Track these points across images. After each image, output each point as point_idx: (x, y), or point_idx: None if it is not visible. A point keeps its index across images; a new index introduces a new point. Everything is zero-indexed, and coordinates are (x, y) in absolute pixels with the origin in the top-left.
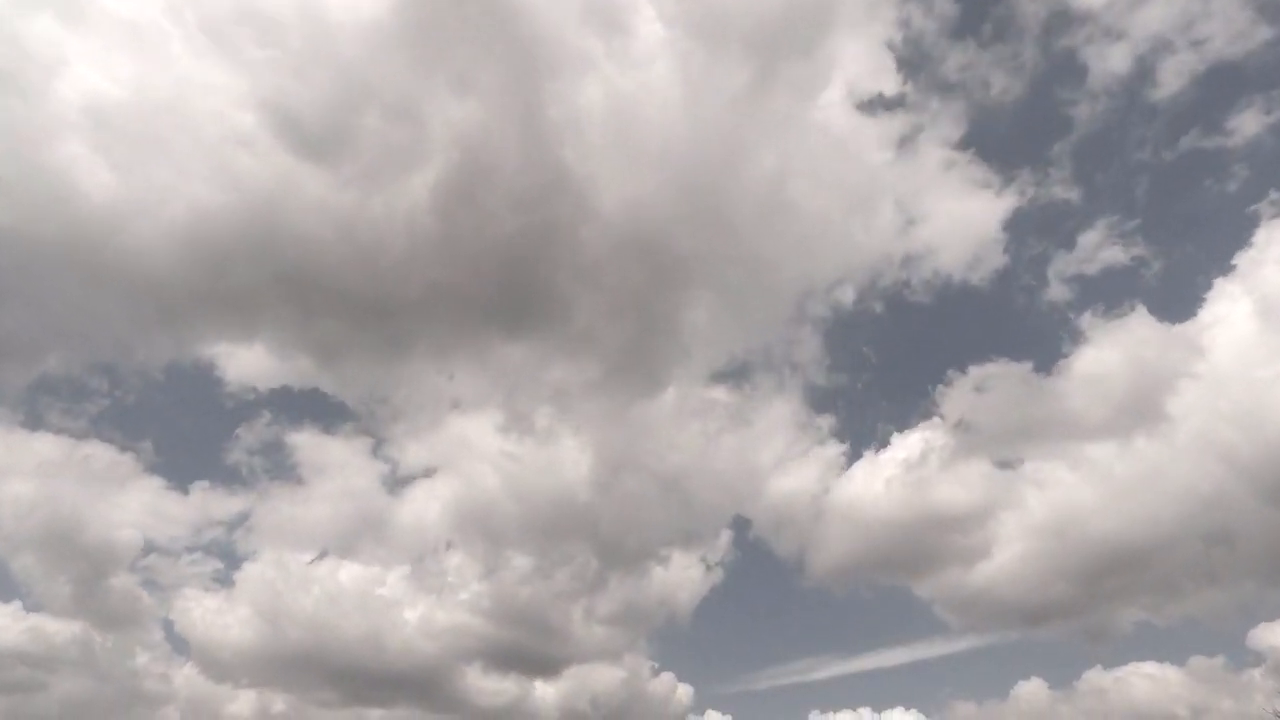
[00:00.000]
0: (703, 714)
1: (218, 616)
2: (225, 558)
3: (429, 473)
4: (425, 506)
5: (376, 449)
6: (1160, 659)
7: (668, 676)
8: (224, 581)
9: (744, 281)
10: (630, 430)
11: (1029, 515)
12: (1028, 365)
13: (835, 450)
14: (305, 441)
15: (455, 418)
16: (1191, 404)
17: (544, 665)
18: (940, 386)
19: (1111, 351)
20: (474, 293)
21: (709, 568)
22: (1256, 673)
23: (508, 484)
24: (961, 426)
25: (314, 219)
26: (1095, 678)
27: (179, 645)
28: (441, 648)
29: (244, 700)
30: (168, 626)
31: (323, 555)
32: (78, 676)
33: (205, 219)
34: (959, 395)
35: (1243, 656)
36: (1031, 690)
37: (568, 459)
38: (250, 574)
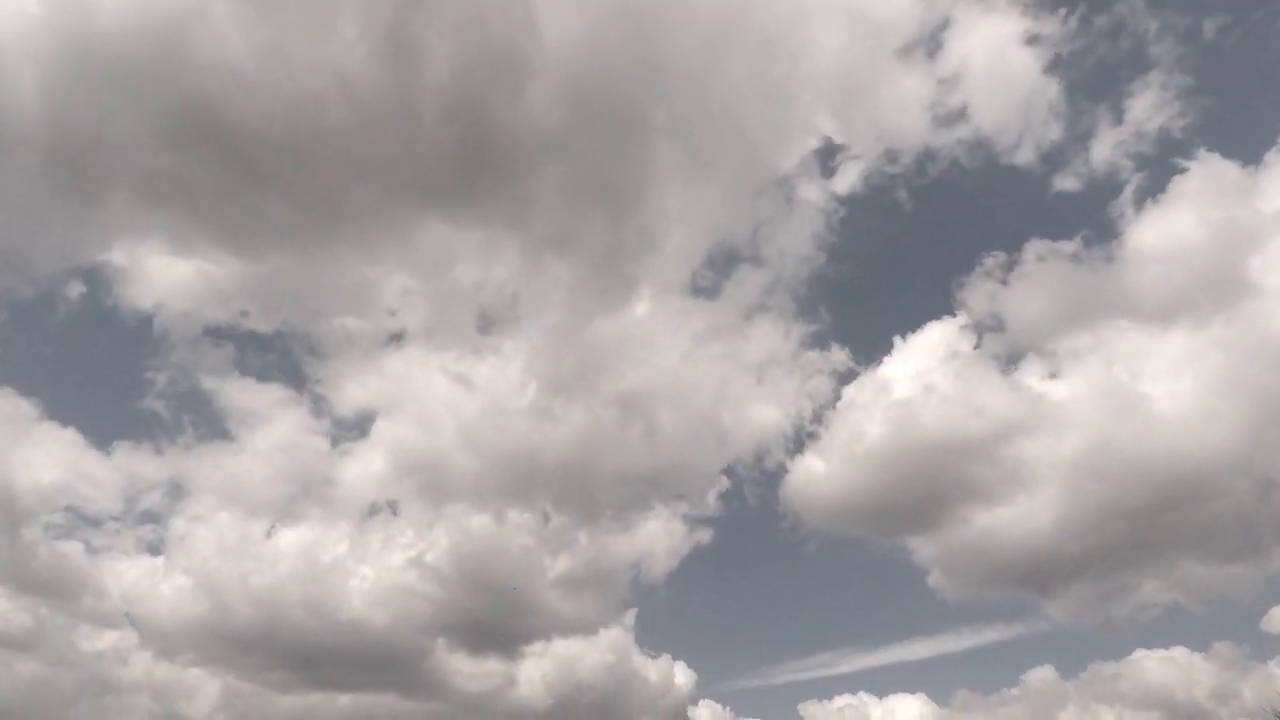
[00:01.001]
0: (697, 704)
1: (151, 589)
2: (154, 523)
3: (370, 417)
4: (369, 459)
5: (306, 392)
6: (1177, 643)
7: (665, 659)
8: (155, 551)
9: (719, 149)
10: (596, 351)
11: (1063, 443)
12: (1072, 243)
13: (835, 362)
14: (230, 389)
15: (395, 351)
16: None
17: (515, 639)
18: (964, 278)
19: (1178, 215)
20: (415, 164)
21: (692, 526)
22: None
23: (460, 426)
24: (985, 326)
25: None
26: (1104, 667)
27: (109, 619)
28: (400, 619)
29: (191, 679)
30: (96, 599)
31: (263, 518)
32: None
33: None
34: (984, 287)
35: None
36: (1041, 677)
37: (526, 392)
38: (184, 541)
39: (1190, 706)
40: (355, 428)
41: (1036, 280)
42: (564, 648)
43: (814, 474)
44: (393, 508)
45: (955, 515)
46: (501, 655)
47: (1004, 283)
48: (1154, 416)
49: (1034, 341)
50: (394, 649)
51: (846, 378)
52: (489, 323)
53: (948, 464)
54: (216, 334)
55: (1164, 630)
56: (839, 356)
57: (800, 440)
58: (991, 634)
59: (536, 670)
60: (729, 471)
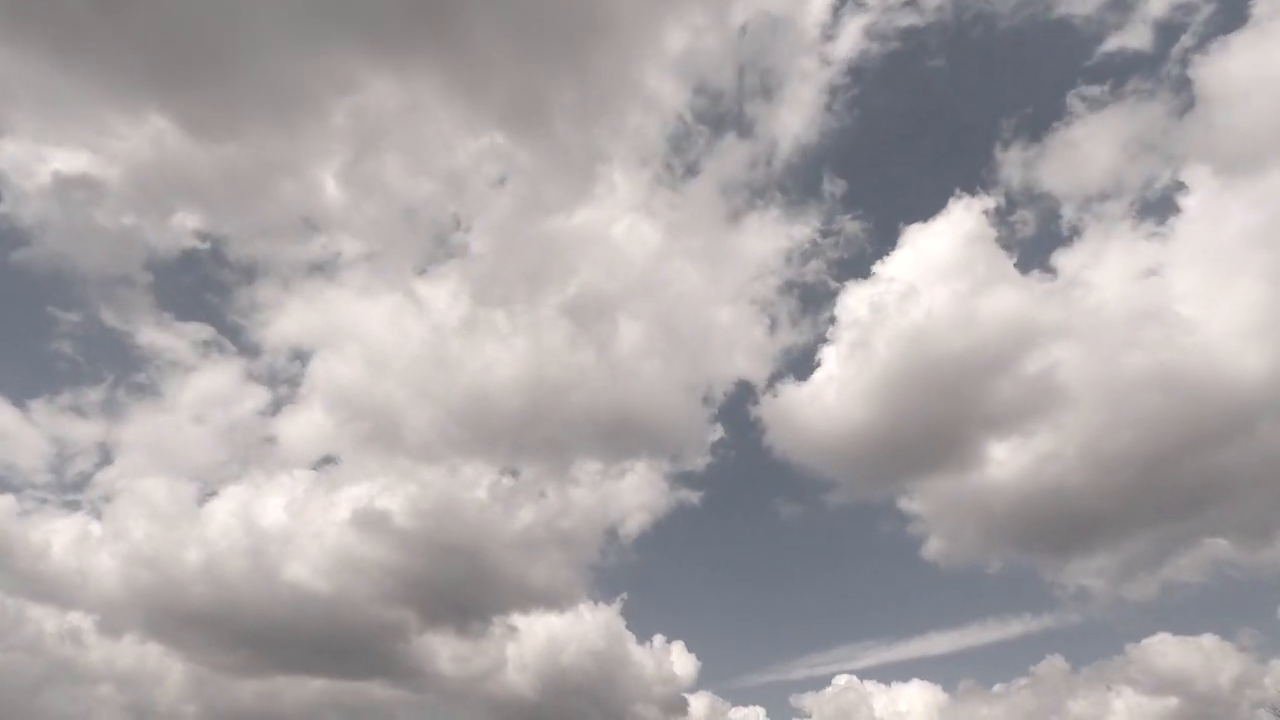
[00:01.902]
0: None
1: (86, 561)
2: (83, 490)
3: (304, 357)
4: (310, 411)
5: (230, 333)
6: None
7: (659, 639)
8: (89, 516)
9: None
10: (553, 258)
11: (1103, 352)
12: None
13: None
14: (151, 338)
15: (325, 280)
16: None
17: (487, 610)
18: (988, 154)
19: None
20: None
21: (673, 484)
22: None
23: (407, 361)
24: (1016, 205)
25: None
26: (1117, 655)
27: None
28: (361, 591)
29: (137, 660)
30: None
31: (200, 483)
32: None
33: None
34: (1014, 160)
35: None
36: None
37: (479, 320)
38: (118, 509)
39: (1210, 694)
40: (288, 375)
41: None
42: (546, 625)
43: (807, 408)
44: (339, 466)
45: (965, 456)
46: (478, 632)
47: (1036, 157)
48: (1206, 323)
49: (1067, 228)
50: (361, 627)
51: (849, 271)
52: (437, 241)
53: (961, 385)
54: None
55: (1179, 615)
56: (838, 256)
57: (792, 367)
58: (1001, 628)
59: (519, 652)
60: (710, 405)
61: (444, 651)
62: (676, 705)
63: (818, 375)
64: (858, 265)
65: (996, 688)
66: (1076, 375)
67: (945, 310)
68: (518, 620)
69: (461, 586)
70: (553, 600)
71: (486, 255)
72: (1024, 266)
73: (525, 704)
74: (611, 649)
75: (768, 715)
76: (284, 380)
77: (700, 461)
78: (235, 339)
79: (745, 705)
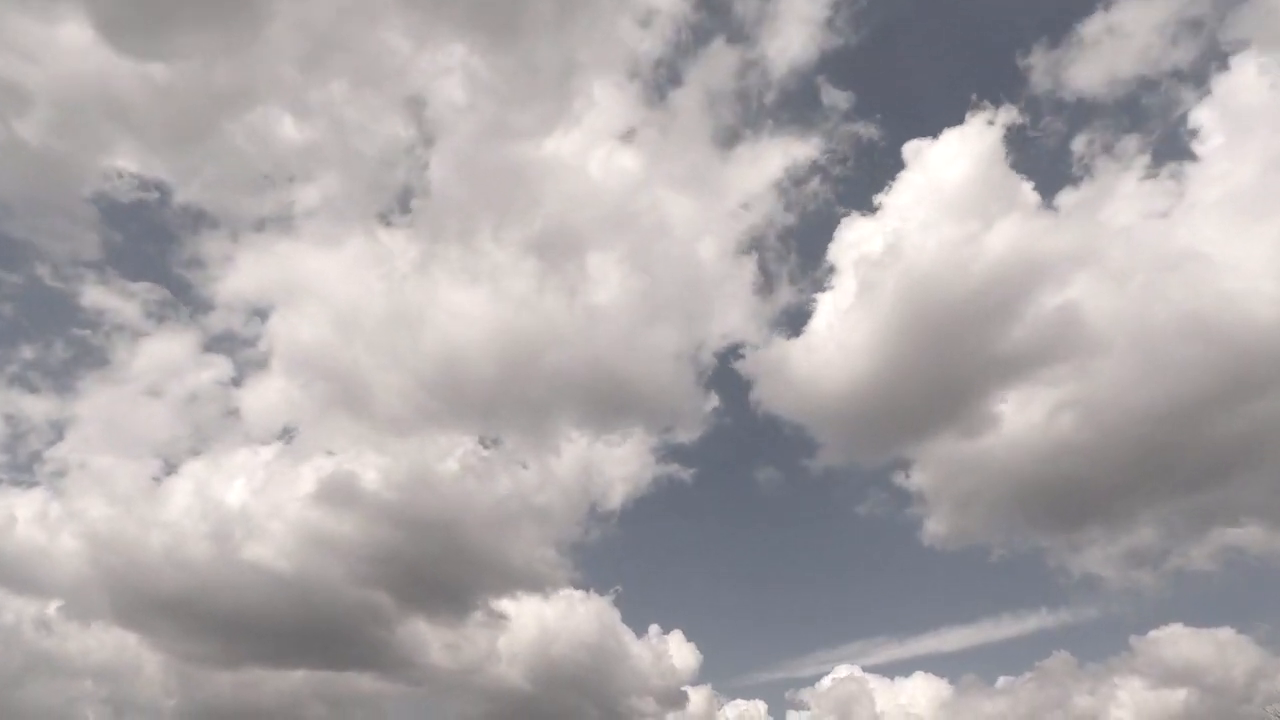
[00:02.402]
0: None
1: (42, 542)
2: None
3: (262, 314)
4: (270, 371)
5: (179, 291)
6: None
7: (655, 629)
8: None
9: None
10: (529, 187)
11: (1128, 291)
12: None
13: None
14: (96, 299)
15: (279, 231)
16: None
17: (466, 594)
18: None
19: None
20: None
21: (660, 457)
22: None
23: (372, 318)
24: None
25: None
26: (1124, 654)
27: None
28: (334, 574)
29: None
30: None
31: (158, 459)
32: None
33: None
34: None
35: None
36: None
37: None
38: (71, 489)
39: (1222, 687)
40: (245, 336)
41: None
42: (537, 614)
43: (803, 364)
44: (305, 436)
45: (973, 412)
46: (462, 618)
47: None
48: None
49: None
50: (338, 611)
51: (849, 199)
52: (397, 185)
53: (970, 330)
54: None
55: (1193, 606)
56: (838, 177)
57: (785, 317)
58: (1010, 620)
59: (510, 643)
60: (697, 365)
61: (430, 640)
62: (675, 698)
63: (814, 323)
64: (859, 193)
65: (1001, 681)
66: (1098, 316)
67: (953, 245)
68: (505, 606)
69: (438, 565)
70: (536, 582)
71: (451, 196)
72: (1043, 191)
73: (517, 697)
74: (606, 640)
75: (769, 708)
76: (241, 343)
77: (689, 430)
78: (185, 297)
79: (745, 699)
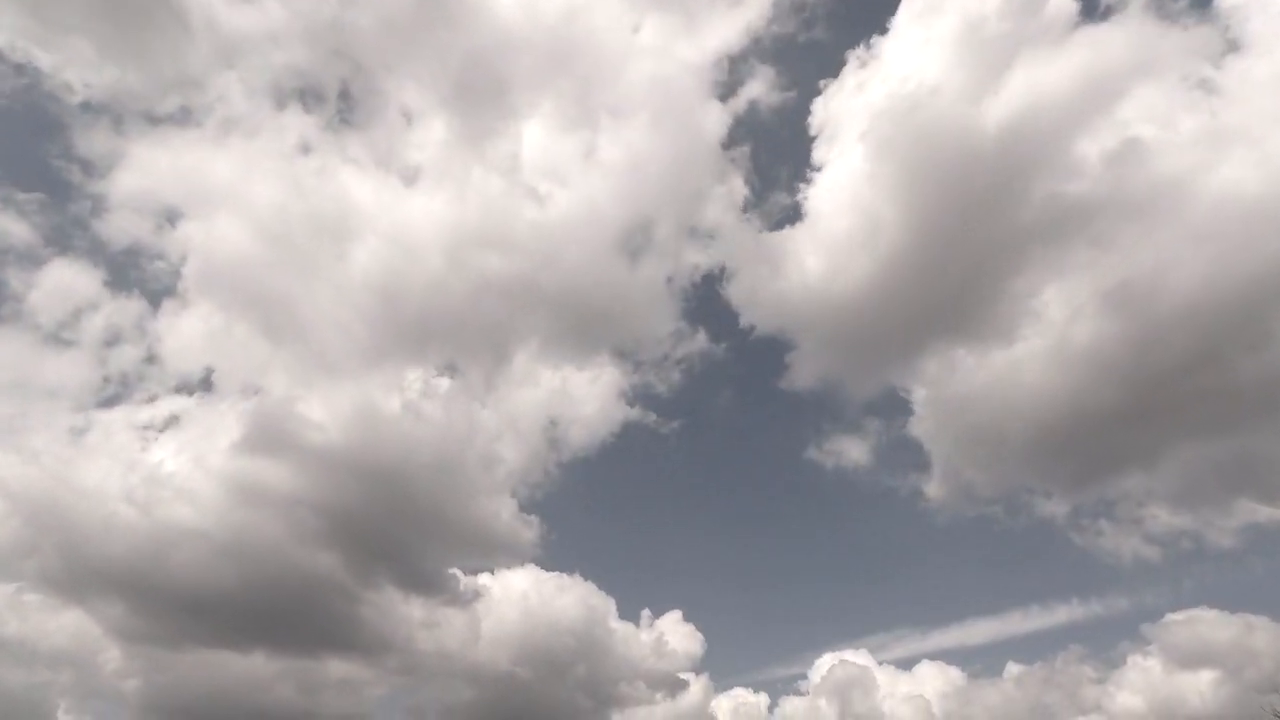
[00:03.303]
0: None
1: None
2: None
3: (169, 222)
4: (184, 300)
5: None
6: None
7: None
8: None
9: None
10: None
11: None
12: None
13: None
14: None
15: (181, 122)
16: None
17: (427, 567)
18: None
19: None
20: None
21: (631, 401)
22: None
23: (298, 226)
24: None
25: None
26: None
27: None
28: (281, 534)
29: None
30: None
31: (70, 410)
32: None
33: None
34: None
35: None
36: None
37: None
38: None
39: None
40: (153, 253)
41: None
42: (520, 597)
43: (788, 265)
44: (228, 375)
45: (981, 320)
46: (427, 587)
47: None
48: None
49: None
50: (292, 584)
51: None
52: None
53: (979, 206)
54: None
55: (1219, 588)
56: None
57: (770, 203)
58: (1023, 609)
59: (493, 628)
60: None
61: (400, 618)
62: (669, 683)
63: (806, 206)
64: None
65: (1011, 669)
66: (1154, 175)
67: (967, 92)
68: (482, 580)
69: (394, 524)
70: (502, 543)
71: (373, 62)
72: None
73: (505, 682)
74: (593, 620)
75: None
76: (148, 265)
77: (658, 366)
78: (74, 198)
79: (740, 688)
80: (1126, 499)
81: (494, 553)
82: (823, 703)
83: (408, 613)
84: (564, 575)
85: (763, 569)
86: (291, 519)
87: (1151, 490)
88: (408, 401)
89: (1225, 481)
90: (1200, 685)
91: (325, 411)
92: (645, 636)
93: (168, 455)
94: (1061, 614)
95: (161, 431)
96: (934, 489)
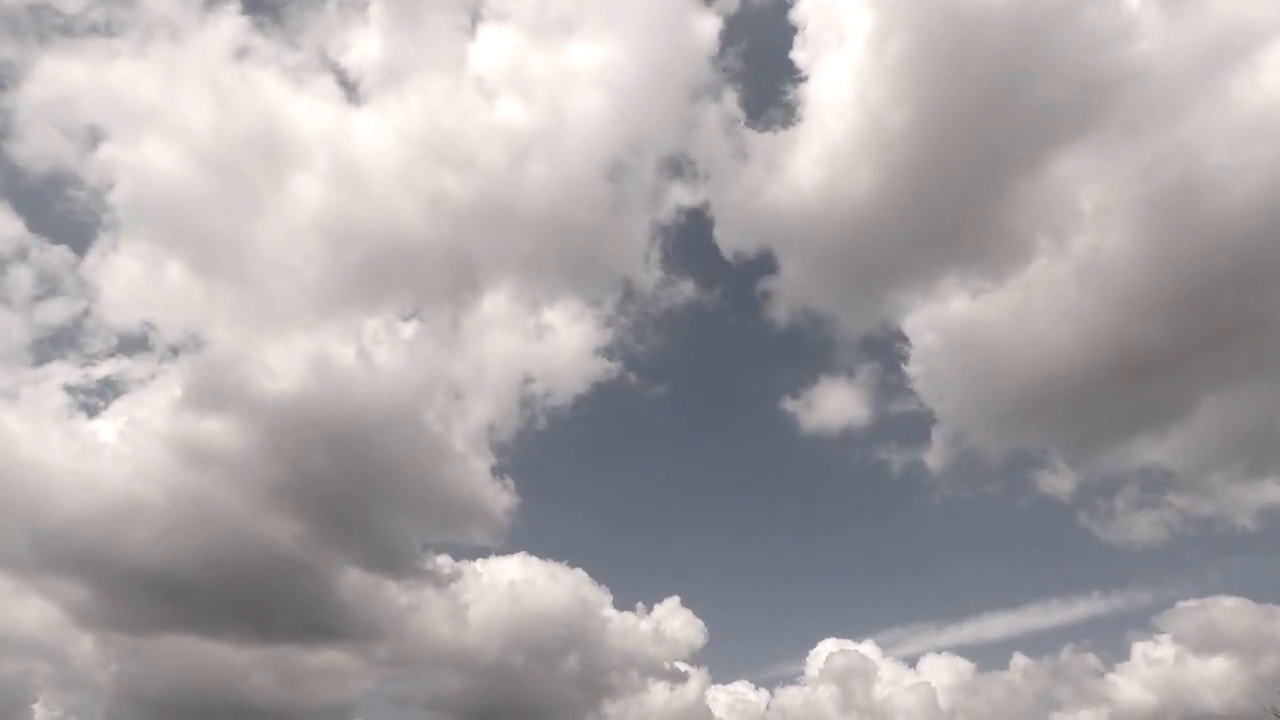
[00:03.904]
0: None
1: None
2: None
3: (89, 144)
4: (114, 233)
5: None
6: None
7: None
8: None
9: None
10: None
11: None
12: None
13: None
14: None
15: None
16: None
17: (400, 545)
18: None
19: None
20: None
21: (611, 353)
22: None
23: (236, 148)
24: None
25: None
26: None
27: None
28: (237, 501)
29: None
30: None
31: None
32: None
33: None
34: None
35: None
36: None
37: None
38: None
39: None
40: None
41: None
42: (507, 583)
43: (775, 181)
44: (169, 326)
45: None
46: (399, 567)
47: None
48: None
49: None
50: (257, 561)
51: None
52: None
53: (998, 95)
54: None
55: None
56: None
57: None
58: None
59: (481, 614)
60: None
61: (377, 600)
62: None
63: (801, 109)
64: None
65: (1019, 661)
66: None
67: None
68: (468, 565)
69: (357, 491)
70: (471, 512)
71: None
72: None
73: (496, 671)
74: (583, 605)
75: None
76: (71, 197)
77: (640, 298)
78: None
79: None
80: (1140, 476)
81: (467, 522)
82: (821, 691)
83: (384, 593)
84: (550, 561)
85: (754, 547)
86: (248, 488)
87: (1167, 467)
88: (366, 351)
89: (1251, 456)
90: (1211, 675)
91: (277, 365)
92: (642, 625)
93: (108, 420)
94: (1070, 605)
95: (99, 394)
96: (934, 458)
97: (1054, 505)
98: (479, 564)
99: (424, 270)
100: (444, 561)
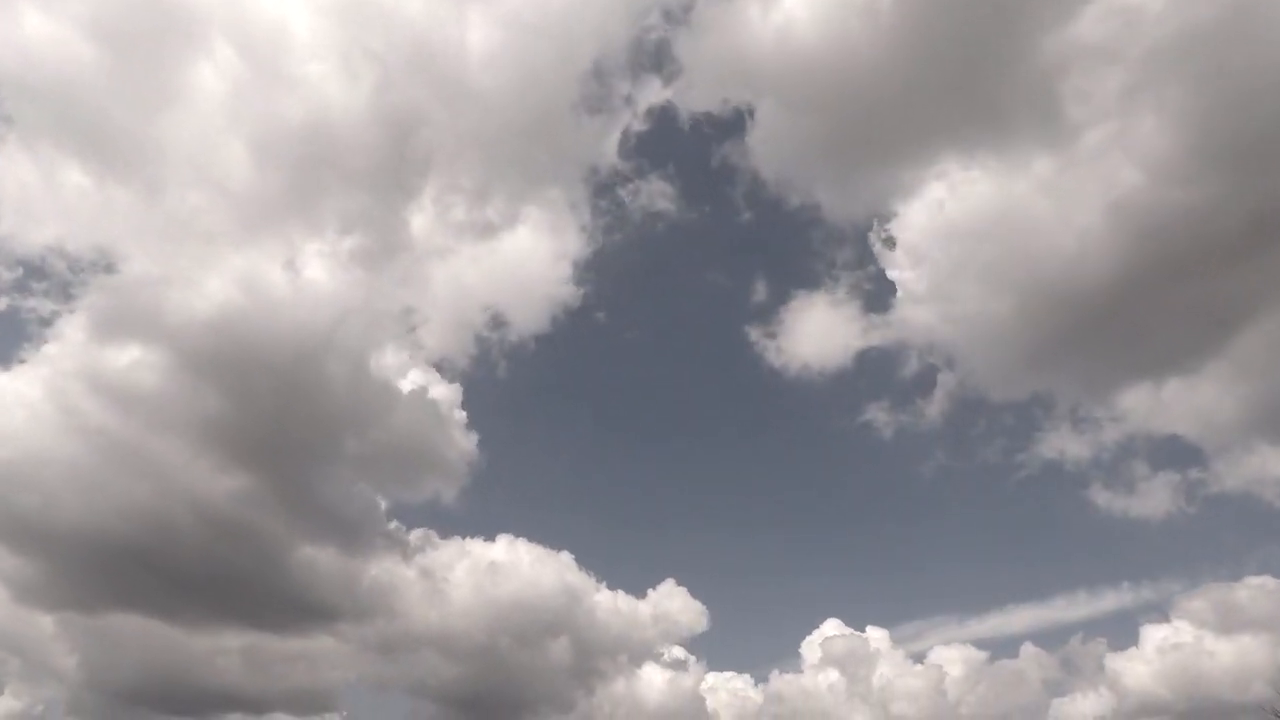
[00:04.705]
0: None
1: None
2: None
3: None
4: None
5: None
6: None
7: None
8: None
9: None
10: None
11: None
12: None
13: None
14: None
15: None
16: None
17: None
18: None
19: None
20: None
21: (578, 278)
22: None
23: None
24: None
25: None
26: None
27: None
28: (166, 460)
29: None
30: None
31: None
32: None
33: None
34: None
35: None
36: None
37: None
38: None
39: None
40: None
41: None
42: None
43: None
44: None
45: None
46: (362, 544)
47: None
48: None
49: None
50: (196, 521)
51: None
52: None
53: None
54: None
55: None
56: None
57: None
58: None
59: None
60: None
61: (343, 575)
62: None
63: None
64: None
65: (1028, 649)
66: None
67: None
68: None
69: (296, 435)
70: (428, 458)
71: None
72: None
73: (485, 657)
74: (570, 587)
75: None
76: None
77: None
78: None
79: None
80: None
81: (423, 471)
82: (820, 678)
83: (345, 566)
84: (531, 543)
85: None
86: (180, 432)
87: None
88: (299, 274)
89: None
90: (1225, 661)
91: (201, 289)
92: (620, 602)
93: (13, 364)
94: (1081, 596)
95: None
96: (935, 407)
97: (1063, 475)
98: (465, 543)
99: (359, 168)
100: (418, 535)
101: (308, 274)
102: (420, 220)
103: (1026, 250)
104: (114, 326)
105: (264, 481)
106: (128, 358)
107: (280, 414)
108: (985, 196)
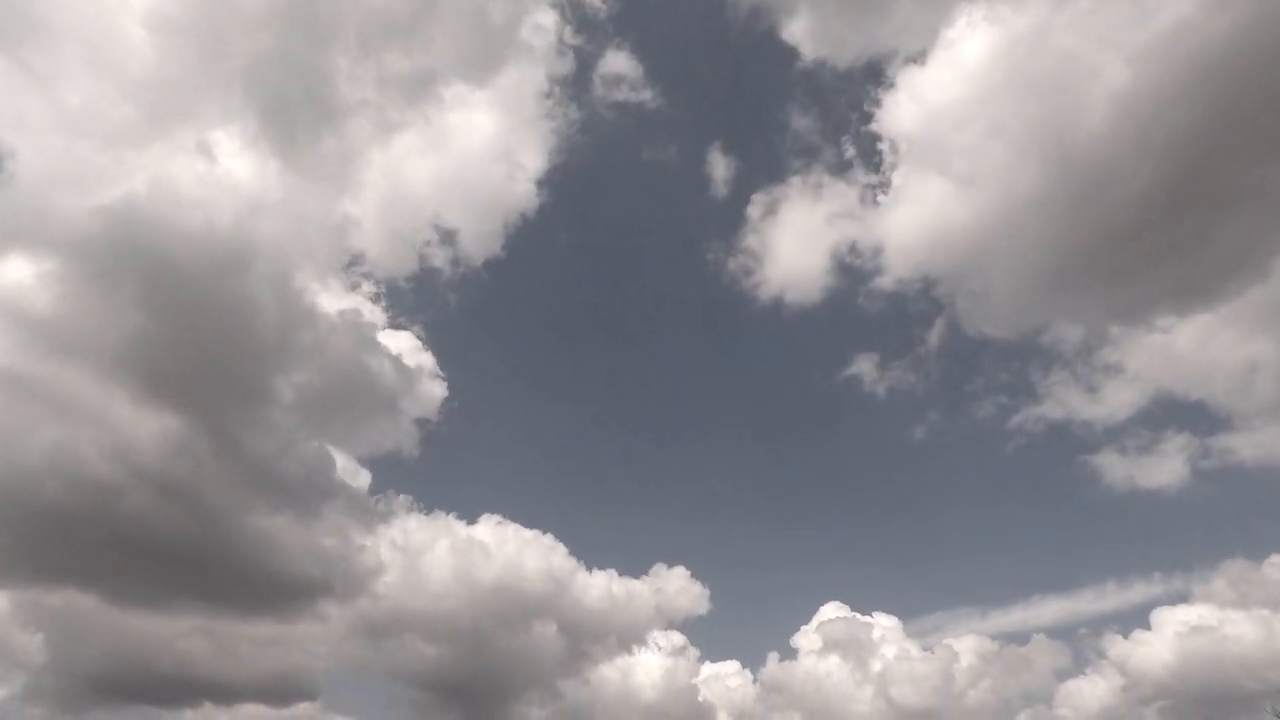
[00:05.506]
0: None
1: None
2: None
3: None
4: None
5: None
6: None
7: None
8: None
9: None
10: None
11: None
12: None
13: None
14: None
15: None
16: None
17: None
18: None
19: None
20: None
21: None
22: None
23: None
24: None
25: None
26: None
27: None
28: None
29: None
30: None
31: None
32: None
33: None
34: None
35: None
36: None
37: None
38: None
39: None
40: None
41: None
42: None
43: None
44: None
45: None
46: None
47: None
48: None
49: None
50: (133, 471)
51: None
52: None
53: None
54: None
55: None
56: None
57: None
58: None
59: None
60: None
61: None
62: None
63: None
64: None
65: (1034, 639)
66: None
67: None
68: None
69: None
70: (372, 392)
71: None
72: None
73: (468, 640)
74: (556, 570)
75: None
76: None
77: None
78: None
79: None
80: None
81: (369, 407)
82: (819, 663)
83: (305, 532)
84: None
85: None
86: (92, 358)
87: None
88: (214, 172)
89: None
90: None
91: (100, 195)
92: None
93: None
94: (1084, 590)
95: None
96: (936, 335)
97: (1071, 439)
98: (451, 520)
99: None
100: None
101: (223, 167)
102: (336, 111)
103: (1046, 111)
104: (3, 230)
105: (193, 425)
106: (19, 266)
107: (201, 338)
108: (1010, 41)
